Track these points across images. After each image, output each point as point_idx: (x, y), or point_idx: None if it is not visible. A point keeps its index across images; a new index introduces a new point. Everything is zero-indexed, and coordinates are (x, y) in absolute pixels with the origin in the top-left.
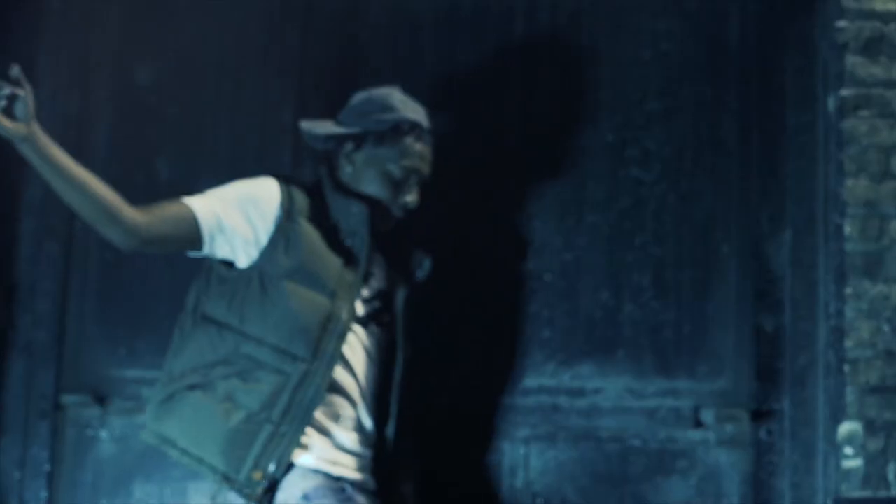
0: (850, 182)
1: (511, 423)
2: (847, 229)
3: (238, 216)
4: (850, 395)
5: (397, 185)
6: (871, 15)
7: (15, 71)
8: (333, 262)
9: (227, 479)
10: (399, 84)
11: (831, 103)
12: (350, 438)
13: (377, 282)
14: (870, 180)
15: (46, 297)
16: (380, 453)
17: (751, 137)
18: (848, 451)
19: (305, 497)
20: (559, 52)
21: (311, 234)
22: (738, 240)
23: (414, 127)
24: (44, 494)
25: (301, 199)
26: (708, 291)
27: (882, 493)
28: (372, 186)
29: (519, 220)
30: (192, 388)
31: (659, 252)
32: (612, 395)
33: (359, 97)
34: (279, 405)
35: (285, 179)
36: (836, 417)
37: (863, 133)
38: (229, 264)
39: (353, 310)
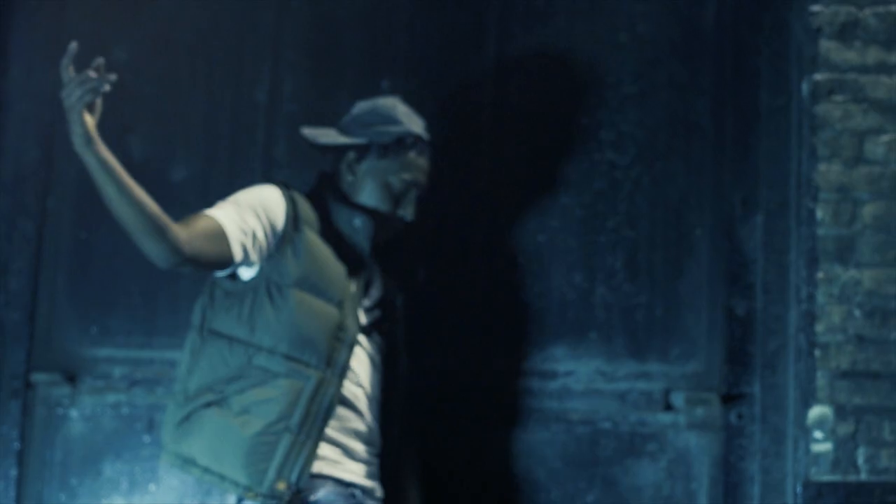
0: (822, 167)
1: (481, 405)
2: (819, 214)
3: (257, 224)
4: (821, 379)
5: (397, 198)
6: (846, 0)
7: (99, 61)
8: (339, 271)
9: (251, 492)
10: (376, 65)
11: (805, 87)
12: (359, 448)
13: (376, 290)
14: (843, 165)
15: (19, 275)
16: (385, 460)
17: (725, 121)
18: (818, 435)
19: (316, 503)
20: (535, 32)
21: (316, 242)
22: (711, 223)
23: (417, 141)
24: (13, 472)
25: (304, 208)
26: (680, 274)
27: (851, 478)
28: (372, 197)
29: (491, 202)
30: (207, 405)
31: (632, 234)
32: (583, 377)
33: (362, 107)
34: (297, 414)
35: (286, 187)
36: (807, 402)
37: (836, 118)
38: (232, 276)
39: (358, 320)
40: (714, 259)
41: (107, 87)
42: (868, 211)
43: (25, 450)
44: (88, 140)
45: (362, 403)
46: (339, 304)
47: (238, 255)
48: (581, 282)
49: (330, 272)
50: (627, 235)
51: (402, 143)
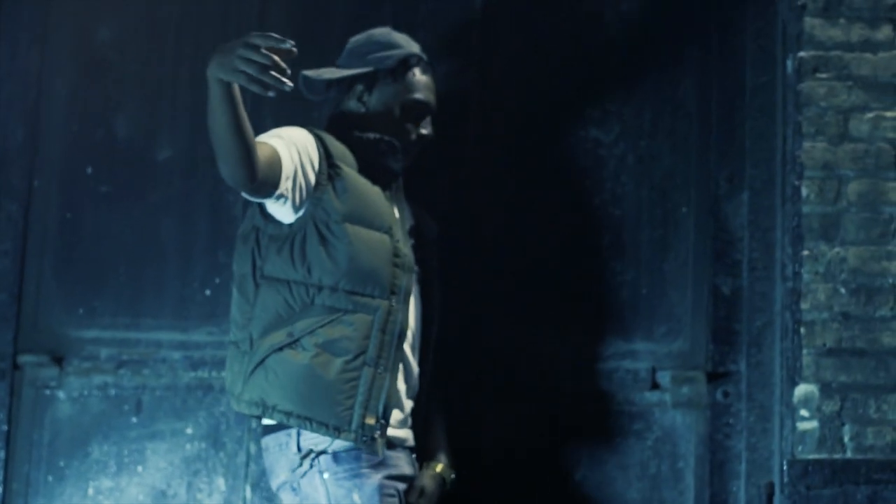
0: (807, 144)
1: (469, 383)
2: (804, 191)
3: (299, 161)
4: (806, 357)
5: (413, 119)
6: None
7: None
8: (380, 199)
9: (340, 431)
10: None
11: (790, 65)
12: (402, 388)
13: (409, 218)
14: (828, 143)
15: (5, 256)
16: (417, 401)
17: (710, 98)
18: (804, 413)
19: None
20: (520, 9)
21: (354, 176)
22: (697, 200)
23: (419, 60)
24: (1, 455)
25: (334, 144)
26: (666, 252)
27: (837, 456)
28: (388, 124)
29: (476, 179)
30: (280, 349)
31: (617, 212)
32: (569, 355)
33: (357, 40)
34: (371, 347)
35: (311, 128)
36: (793, 380)
37: (821, 95)
38: (269, 219)
39: (408, 244)
40: (700, 237)
41: (285, 87)
42: (853, 188)
43: (13, 431)
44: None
45: (411, 335)
46: (389, 231)
47: (285, 187)
48: (567, 259)
49: (373, 201)
50: (613, 213)
51: (407, 63)
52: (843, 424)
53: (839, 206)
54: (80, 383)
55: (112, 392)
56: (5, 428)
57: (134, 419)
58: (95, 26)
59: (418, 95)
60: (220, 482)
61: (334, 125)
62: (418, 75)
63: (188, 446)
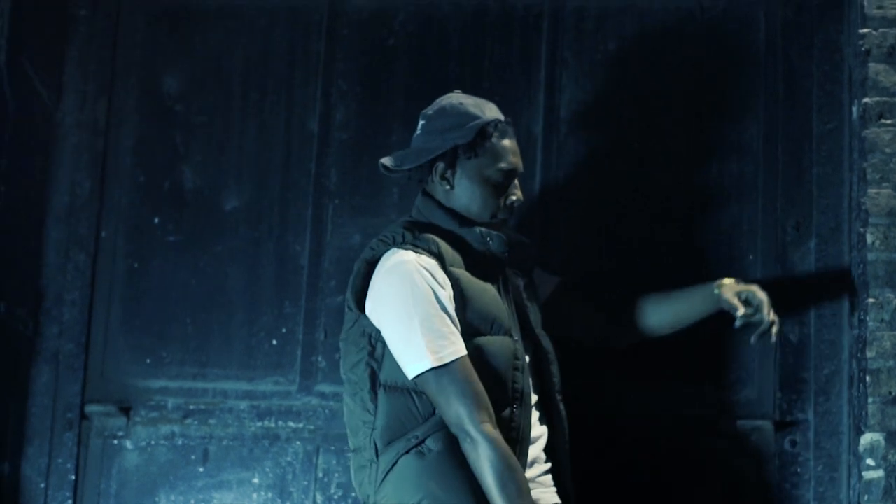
0: (872, 191)
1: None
2: (869, 238)
3: (446, 317)
4: (872, 406)
5: (501, 188)
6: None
7: None
8: (493, 295)
9: None
10: (427, 93)
11: (855, 111)
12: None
13: (518, 281)
14: (892, 189)
15: (73, 306)
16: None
17: (776, 144)
18: (869, 462)
19: None
20: (585, 57)
21: (467, 278)
22: (763, 248)
23: (496, 125)
24: None
25: (446, 250)
26: None
27: None
28: (476, 199)
29: (544, 225)
30: (407, 452)
31: (684, 259)
32: (635, 400)
33: (429, 115)
34: None
35: (415, 246)
36: (859, 428)
37: (885, 142)
38: None
39: (522, 343)
40: (766, 285)
41: None
42: None
43: (80, 481)
44: None
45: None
46: (508, 332)
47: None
48: None
49: (488, 303)
50: (679, 261)
51: (485, 133)
52: None
53: None
54: (147, 433)
55: (179, 442)
56: (73, 477)
57: (201, 469)
58: (162, 77)
59: (502, 165)
60: None
61: (426, 208)
62: (499, 141)
63: (255, 496)
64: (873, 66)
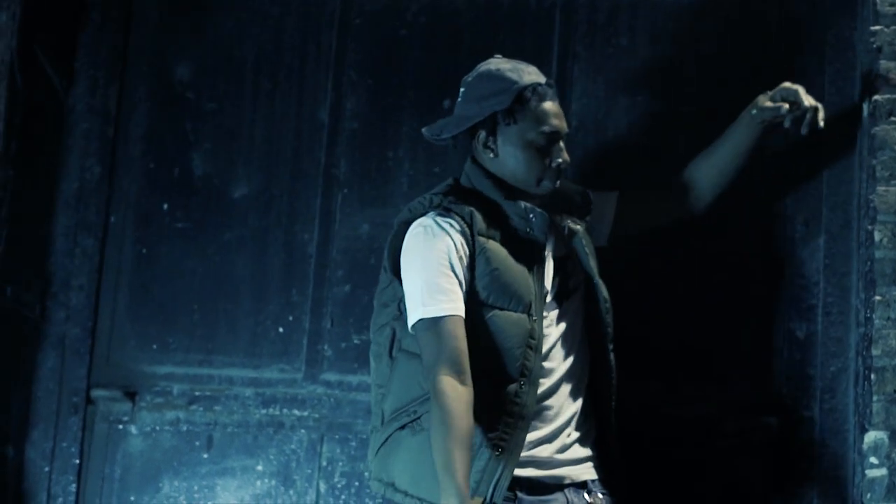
0: (881, 188)
1: None
2: (877, 236)
3: (454, 279)
4: (876, 404)
5: (546, 152)
6: None
7: None
8: (521, 272)
9: None
10: (437, 84)
11: (865, 108)
12: (559, 443)
13: (559, 250)
14: None
15: (80, 291)
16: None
17: (787, 140)
18: (873, 460)
19: None
20: (597, 51)
21: (495, 252)
22: (772, 244)
23: (536, 89)
24: (73, 488)
25: (477, 220)
26: (740, 295)
27: None
28: (521, 164)
29: None
30: (402, 427)
31: (692, 256)
32: (639, 399)
33: (469, 82)
34: (490, 429)
35: (446, 208)
36: (863, 427)
37: (895, 139)
38: None
39: (542, 323)
40: (774, 281)
41: None
42: None
43: (84, 465)
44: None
45: (561, 393)
46: (528, 310)
47: (462, 310)
48: (641, 304)
49: (513, 279)
50: (688, 256)
51: (523, 98)
52: None
53: None
54: (152, 418)
55: (184, 428)
56: (77, 461)
57: (205, 455)
58: (173, 64)
59: (543, 128)
60: None
61: (473, 175)
62: (538, 105)
63: (258, 483)
64: (884, 63)
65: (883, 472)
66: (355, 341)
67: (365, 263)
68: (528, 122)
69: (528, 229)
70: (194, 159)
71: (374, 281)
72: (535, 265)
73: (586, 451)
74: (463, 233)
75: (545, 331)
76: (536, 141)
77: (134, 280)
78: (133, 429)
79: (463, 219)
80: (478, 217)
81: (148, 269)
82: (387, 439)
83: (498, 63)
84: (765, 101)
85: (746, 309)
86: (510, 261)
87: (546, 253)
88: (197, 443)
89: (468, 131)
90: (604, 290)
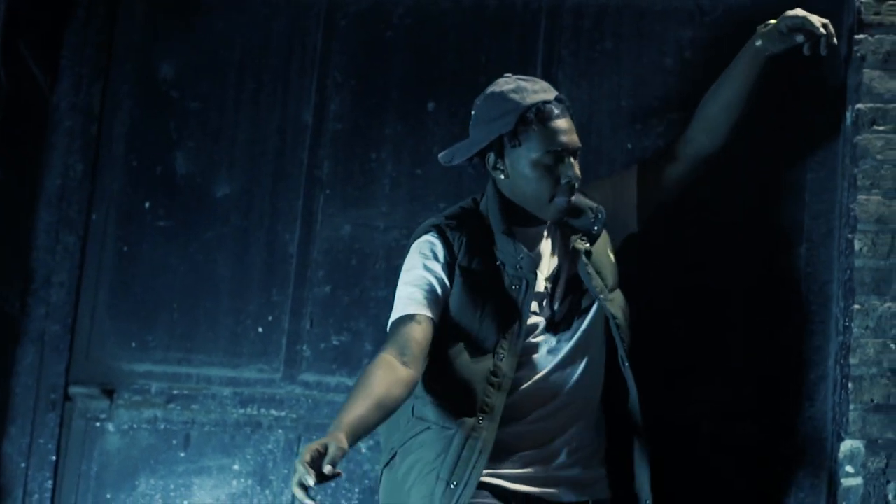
0: (862, 197)
1: None
2: (857, 245)
3: (432, 279)
4: (853, 412)
5: (554, 170)
6: (891, 29)
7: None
8: (495, 309)
9: None
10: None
11: (848, 117)
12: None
13: (557, 269)
14: (882, 196)
15: (60, 287)
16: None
17: (770, 148)
18: (848, 469)
19: None
20: (581, 55)
21: (469, 284)
22: (754, 252)
23: (540, 109)
24: (49, 485)
25: (463, 249)
26: (721, 302)
27: None
28: (531, 184)
29: None
30: (385, 465)
31: (673, 263)
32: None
33: (478, 105)
34: (447, 462)
35: (442, 230)
36: (839, 435)
37: (877, 148)
38: None
39: (512, 361)
40: (756, 287)
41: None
42: None
43: (61, 462)
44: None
45: (562, 414)
46: (493, 348)
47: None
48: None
49: (484, 315)
50: (669, 260)
51: (526, 120)
52: (888, 482)
53: (892, 260)
54: (129, 416)
55: (161, 426)
56: (54, 458)
57: (182, 454)
58: (158, 63)
59: (550, 147)
60: None
61: (490, 199)
62: (542, 124)
63: (235, 483)
64: (868, 73)
65: (858, 481)
66: (334, 342)
67: (346, 264)
68: (533, 142)
69: (518, 266)
70: (177, 158)
71: (354, 282)
72: (517, 301)
73: (590, 472)
74: (445, 261)
75: (545, 359)
76: (543, 160)
77: (115, 278)
78: (110, 426)
79: (451, 246)
80: (465, 247)
81: (129, 267)
82: (380, 477)
83: (503, 84)
84: (771, 32)
85: (727, 316)
86: (485, 295)
87: (532, 290)
88: (174, 441)
89: (480, 154)
90: (611, 308)
